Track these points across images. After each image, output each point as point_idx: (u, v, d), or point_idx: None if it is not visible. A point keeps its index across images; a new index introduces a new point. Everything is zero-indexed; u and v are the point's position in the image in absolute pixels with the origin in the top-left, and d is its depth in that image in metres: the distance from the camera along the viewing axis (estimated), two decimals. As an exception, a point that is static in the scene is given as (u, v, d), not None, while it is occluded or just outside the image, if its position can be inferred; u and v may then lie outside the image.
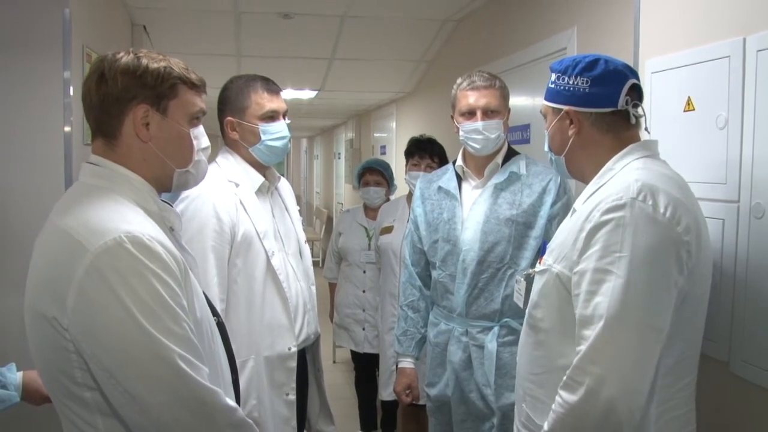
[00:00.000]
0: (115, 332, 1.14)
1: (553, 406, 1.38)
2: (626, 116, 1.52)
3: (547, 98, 1.62)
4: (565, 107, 1.55)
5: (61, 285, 1.15)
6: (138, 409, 1.16)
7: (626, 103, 1.50)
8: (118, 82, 1.28)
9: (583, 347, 1.33)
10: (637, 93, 1.53)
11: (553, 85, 1.59)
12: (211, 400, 1.22)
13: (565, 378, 1.35)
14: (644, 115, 1.55)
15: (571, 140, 1.56)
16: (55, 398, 1.26)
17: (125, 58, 1.30)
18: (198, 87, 1.40)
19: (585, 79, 1.51)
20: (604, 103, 1.51)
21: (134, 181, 1.33)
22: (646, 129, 1.59)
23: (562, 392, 1.35)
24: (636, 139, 1.55)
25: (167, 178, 1.39)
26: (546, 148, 1.68)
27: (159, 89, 1.32)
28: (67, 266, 1.15)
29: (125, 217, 1.22)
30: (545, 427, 1.40)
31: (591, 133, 1.54)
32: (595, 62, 1.52)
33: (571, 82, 1.53)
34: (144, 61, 1.31)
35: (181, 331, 1.19)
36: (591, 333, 1.32)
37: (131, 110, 1.30)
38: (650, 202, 1.34)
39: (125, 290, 1.14)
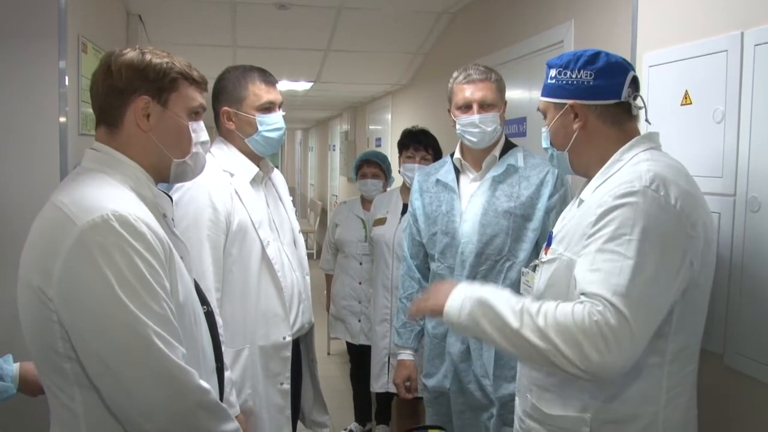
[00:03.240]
0: (94, 304, 1.19)
1: (575, 308, 1.32)
2: (628, 108, 1.54)
3: (546, 94, 1.62)
4: (569, 101, 1.56)
5: (49, 257, 1.21)
6: (112, 380, 1.21)
7: (628, 95, 1.52)
8: (122, 75, 1.37)
9: (598, 314, 1.29)
10: (635, 85, 1.56)
11: (553, 81, 1.59)
12: (183, 378, 1.25)
13: (584, 318, 1.30)
14: (644, 106, 1.57)
15: (575, 134, 1.57)
16: (40, 371, 1.32)
17: (131, 53, 1.39)
18: (199, 83, 1.47)
19: (588, 72, 1.53)
20: (609, 95, 1.53)
21: (131, 167, 1.39)
22: (647, 120, 1.60)
23: (580, 334, 1.29)
24: (637, 130, 1.57)
25: (165, 167, 1.46)
26: (546, 145, 1.68)
27: (160, 83, 1.40)
28: (56, 239, 1.22)
29: (115, 197, 1.28)
30: (559, 315, 1.34)
31: (596, 125, 1.55)
32: (596, 56, 1.54)
33: (574, 76, 1.54)
34: (148, 57, 1.39)
35: (159, 310, 1.23)
36: (602, 307, 1.29)
37: (133, 101, 1.38)
38: (662, 193, 1.36)
39: (108, 265, 1.19)
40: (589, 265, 1.36)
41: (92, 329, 1.19)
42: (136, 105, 1.38)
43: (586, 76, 1.53)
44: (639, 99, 1.56)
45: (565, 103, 1.57)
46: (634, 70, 1.56)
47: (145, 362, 1.21)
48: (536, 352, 1.35)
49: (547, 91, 1.62)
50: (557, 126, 1.61)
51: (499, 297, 1.44)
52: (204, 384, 1.30)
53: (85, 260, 1.19)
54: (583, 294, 1.35)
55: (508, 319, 1.38)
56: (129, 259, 1.21)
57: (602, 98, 1.53)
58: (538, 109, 1.68)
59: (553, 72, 1.60)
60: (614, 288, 1.31)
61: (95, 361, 1.21)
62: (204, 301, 1.56)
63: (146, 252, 1.24)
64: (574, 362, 1.30)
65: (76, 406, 1.26)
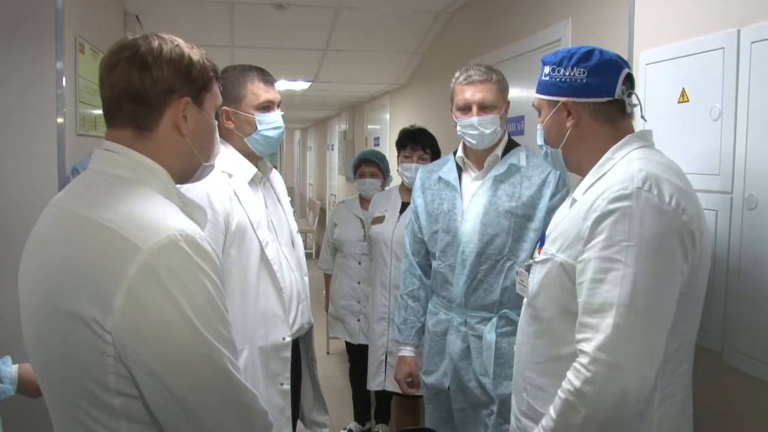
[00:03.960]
0: (167, 335, 1.09)
1: (560, 393, 1.38)
2: (622, 106, 1.53)
3: (540, 91, 1.62)
4: (562, 99, 1.55)
5: (106, 284, 1.07)
6: (183, 414, 1.12)
7: (622, 93, 1.52)
8: (164, 72, 1.22)
9: (590, 335, 1.34)
10: (630, 82, 1.55)
11: (547, 78, 1.59)
12: (253, 405, 1.21)
13: (575, 365, 1.36)
14: (639, 104, 1.56)
15: (568, 132, 1.56)
16: (66, 400, 1.17)
17: (165, 45, 1.23)
18: (219, 78, 1.37)
19: (582, 69, 1.52)
20: (602, 93, 1.52)
21: (157, 172, 1.25)
22: (642, 117, 1.60)
23: (573, 380, 1.35)
24: (631, 128, 1.56)
25: (192, 170, 1.34)
26: (540, 142, 1.68)
27: (200, 82, 1.28)
28: (113, 265, 1.08)
29: (171, 214, 1.17)
30: (552, 414, 1.40)
31: (589, 123, 1.54)
32: (590, 53, 1.53)
33: (567, 74, 1.53)
34: (185, 51, 1.26)
35: (227, 334, 1.16)
36: (599, 322, 1.33)
37: (173, 102, 1.24)
38: (655, 192, 1.35)
39: (180, 291, 1.09)
40: (591, 275, 1.36)
41: (165, 364, 1.09)
42: (177, 106, 1.24)
43: (579, 74, 1.52)
44: (634, 96, 1.54)
45: (558, 101, 1.56)
46: (629, 67, 1.55)
47: (222, 393, 1.14)
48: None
49: (541, 88, 1.62)
50: (550, 123, 1.60)
51: None
52: (264, 406, 1.25)
53: (155, 287, 1.07)
54: (585, 305, 1.36)
55: None
56: (200, 284, 1.11)
57: (595, 96, 1.52)
58: (533, 106, 1.68)
59: (547, 69, 1.59)
60: (617, 299, 1.31)
61: (165, 398, 1.10)
62: None
63: (213, 273, 1.14)
64: (608, 400, 1.31)
65: None
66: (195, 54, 1.27)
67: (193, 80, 1.26)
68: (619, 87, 1.51)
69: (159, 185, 1.24)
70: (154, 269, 1.08)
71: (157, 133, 1.24)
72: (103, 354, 1.09)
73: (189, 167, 1.33)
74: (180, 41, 1.27)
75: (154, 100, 1.22)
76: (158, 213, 1.15)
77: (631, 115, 1.56)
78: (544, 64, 1.61)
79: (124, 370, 1.10)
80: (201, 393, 1.12)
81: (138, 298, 1.07)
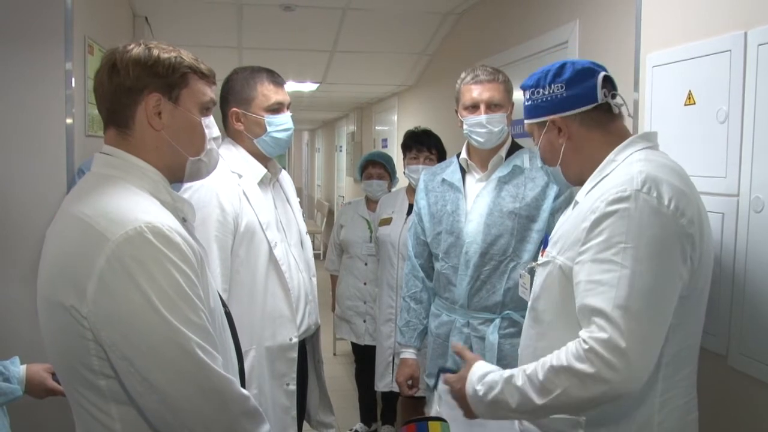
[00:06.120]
0: (135, 321, 1.15)
1: (551, 361, 1.35)
2: (608, 109, 1.53)
3: (527, 117, 1.64)
4: (548, 118, 1.57)
5: (81, 274, 1.16)
6: (155, 396, 1.17)
7: (605, 96, 1.52)
8: (130, 72, 1.29)
9: (591, 333, 1.30)
10: (610, 84, 1.55)
11: (529, 102, 1.61)
12: (227, 389, 1.24)
13: (576, 346, 1.32)
14: (624, 103, 1.56)
15: (563, 147, 1.57)
16: (68, 387, 1.27)
17: (136, 49, 1.32)
18: (208, 77, 1.41)
19: (559, 84, 1.54)
20: (585, 101, 1.52)
21: (147, 171, 1.33)
22: (630, 115, 1.59)
23: (575, 362, 1.31)
24: (623, 129, 1.56)
25: (180, 167, 1.40)
26: (539, 164, 1.70)
27: (170, 78, 1.33)
28: (87, 255, 1.16)
29: (143, 207, 1.23)
30: (539, 375, 1.37)
31: (580, 133, 1.55)
32: (562, 67, 1.55)
33: (547, 92, 1.55)
34: (155, 52, 1.32)
35: (198, 321, 1.20)
36: (600, 323, 1.30)
37: (143, 99, 1.31)
38: (654, 194, 1.35)
39: (145, 279, 1.15)
40: (587, 276, 1.36)
41: (134, 347, 1.15)
42: (147, 103, 1.31)
43: (558, 89, 1.53)
44: (618, 97, 1.54)
45: (546, 120, 1.57)
46: (605, 69, 1.55)
47: (190, 377, 1.18)
48: (556, 405, 1.34)
49: (527, 113, 1.64)
50: (545, 143, 1.62)
51: (504, 388, 1.44)
52: (244, 391, 1.29)
53: (122, 276, 1.14)
54: (582, 306, 1.35)
55: (515, 402, 1.40)
56: (166, 272, 1.17)
57: (579, 106, 1.52)
58: (526, 131, 1.69)
59: (527, 94, 1.61)
60: (614, 301, 1.30)
61: (138, 380, 1.16)
62: (223, 302, 1.53)
63: (182, 263, 1.20)
64: (591, 393, 1.30)
65: (113, 423, 1.23)
66: (166, 53, 1.33)
67: (160, 77, 1.32)
68: (600, 91, 1.51)
69: (147, 183, 1.32)
70: (121, 259, 1.15)
71: (134, 130, 1.33)
72: (84, 338, 1.17)
73: (175, 163, 1.38)
74: (156, 45, 1.34)
75: (124, 99, 1.31)
76: (130, 206, 1.22)
77: (620, 117, 1.56)
78: (524, 89, 1.63)
79: (103, 353, 1.18)
80: (169, 376, 1.17)
81: (107, 286, 1.15)
